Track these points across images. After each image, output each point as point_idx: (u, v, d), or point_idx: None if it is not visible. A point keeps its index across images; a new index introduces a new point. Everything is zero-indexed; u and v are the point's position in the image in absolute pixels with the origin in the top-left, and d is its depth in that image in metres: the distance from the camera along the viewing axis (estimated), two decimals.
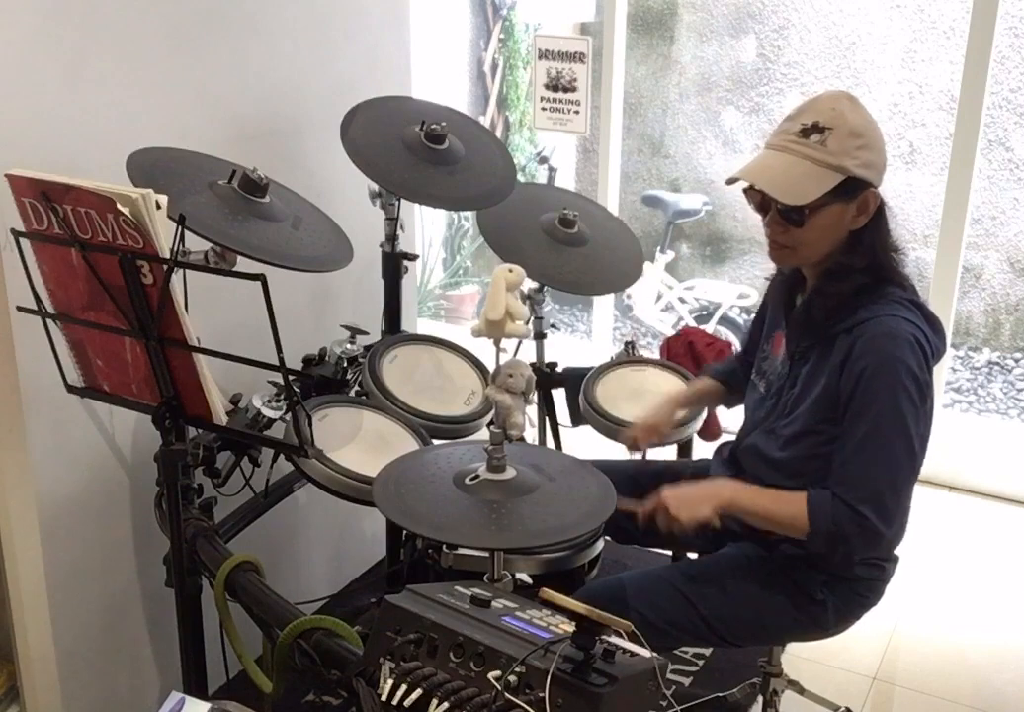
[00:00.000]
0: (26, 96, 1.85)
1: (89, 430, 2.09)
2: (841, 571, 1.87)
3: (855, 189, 1.75)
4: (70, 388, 1.84)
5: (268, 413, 1.92)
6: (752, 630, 1.92)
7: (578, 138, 5.39)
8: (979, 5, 3.24)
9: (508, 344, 2.25)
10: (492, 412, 2.23)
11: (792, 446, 1.86)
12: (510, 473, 1.64)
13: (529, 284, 2.45)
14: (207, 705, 1.48)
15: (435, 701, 1.20)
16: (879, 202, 1.78)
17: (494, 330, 2.16)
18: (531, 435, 2.44)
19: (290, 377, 1.74)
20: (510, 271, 2.16)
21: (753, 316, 2.17)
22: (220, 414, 1.74)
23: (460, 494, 1.61)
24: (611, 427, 2.28)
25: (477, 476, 1.63)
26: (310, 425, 1.88)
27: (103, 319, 1.70)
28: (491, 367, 2.23)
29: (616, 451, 2.43)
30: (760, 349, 2.05)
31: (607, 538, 2.06)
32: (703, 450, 2.27)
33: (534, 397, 2.28)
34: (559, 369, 2.58)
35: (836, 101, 1.77)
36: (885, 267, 1.81)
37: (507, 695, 1.16)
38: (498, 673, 1.18)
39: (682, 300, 4.88)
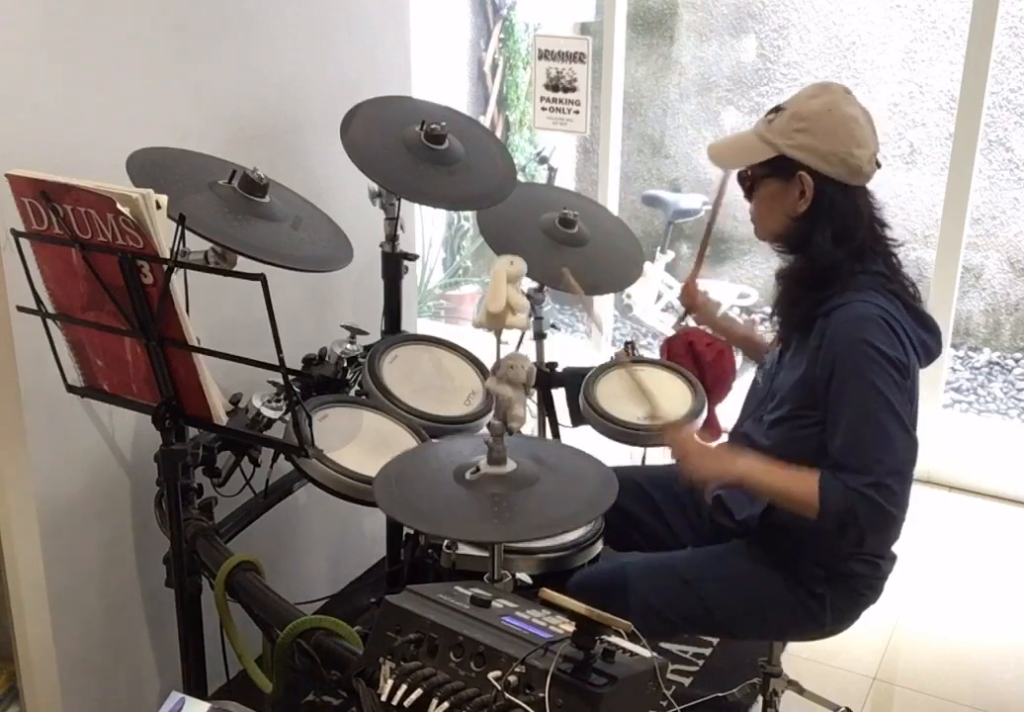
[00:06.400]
0: (26, 96, 1.85)
1: (89, 430, 2.09)
2: (839, 567, 1.88)
3: (788, 169, 1.82)
4: (70, 388, 1.84)
5: (268, 413, 1.92)
6: (751, 619, 1.93)
7: (578, 138, 5.39)
8: (979, 5, 3.24)
9: (510, 338, 2.25)
10: (492, 412, 2.23)
11: (774, 431, 1.88)
12: (510, 466, 1.63)
13: (529, 284, 2.45)
14: (207, 705, 1.48)
15: (435, 701, 1.20)
16: (814, 190, 1.80)
17: (495, 322, 2.15)
18: (530, 433, 2.44)
19: (290, 377, 1.74)
20: (511, 263, 2.16)
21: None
22: (220, 414, 1.74)
23: (461, 489, 1.61)
24: (611, 427, 2.28)
25: (477, 470, 1.63)
26: (310, 425, 1.88)
27: (103, 319, 1.70)
28: (491, 362, 2.23)
29: (615, 453, 2.43)
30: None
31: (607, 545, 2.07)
32: None
33: (534, 394, 2.28)
34: (559, 369, 2.58)
35: (810, 88, 1.90)
36: (830, 263, 1.81)
37: (507, 695, 1.16)
38: (498, 673, 1.18)
39: None
